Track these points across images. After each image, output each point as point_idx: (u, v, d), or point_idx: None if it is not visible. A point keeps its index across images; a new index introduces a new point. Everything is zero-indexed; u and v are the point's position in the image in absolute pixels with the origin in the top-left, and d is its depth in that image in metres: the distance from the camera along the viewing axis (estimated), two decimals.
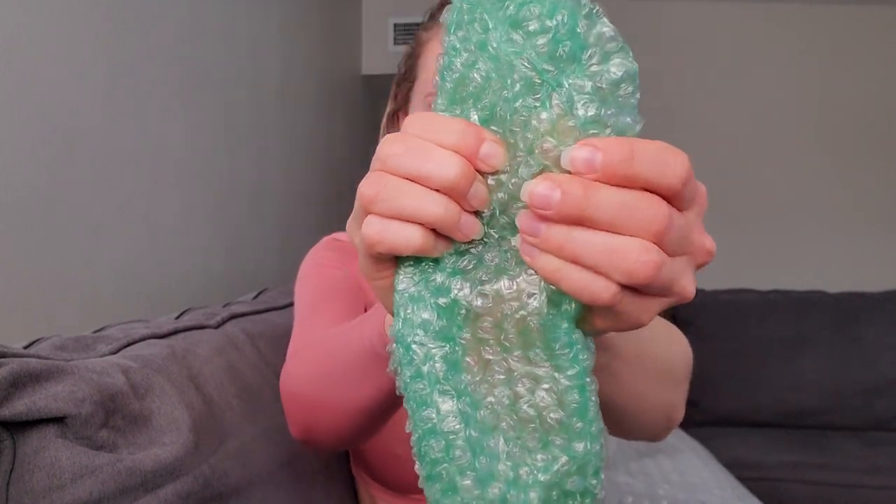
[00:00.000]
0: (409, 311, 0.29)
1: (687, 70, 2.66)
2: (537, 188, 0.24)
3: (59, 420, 0.48)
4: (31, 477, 0.45)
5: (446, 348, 0.29)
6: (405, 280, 0.29)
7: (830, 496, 1.81)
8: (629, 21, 2.66)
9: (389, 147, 0.27)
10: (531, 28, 0.25)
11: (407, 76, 0.74)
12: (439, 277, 0.29)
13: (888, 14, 2.61)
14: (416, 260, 0.29)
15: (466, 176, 0.26)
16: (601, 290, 0.24)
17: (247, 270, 1.39)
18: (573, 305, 0.27)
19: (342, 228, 0.85)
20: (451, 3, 0.28)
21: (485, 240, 0.28)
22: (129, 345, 0.64)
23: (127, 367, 0.58)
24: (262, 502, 0.66)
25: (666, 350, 0.49)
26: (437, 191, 0.27)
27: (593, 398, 0.28)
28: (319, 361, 0.53)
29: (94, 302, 0.87)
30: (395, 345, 0.29)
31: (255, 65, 1.45)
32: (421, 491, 0.29)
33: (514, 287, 0.28)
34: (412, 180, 0.27)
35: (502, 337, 0.28)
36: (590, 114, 0.25)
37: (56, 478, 0.45)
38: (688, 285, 0.27)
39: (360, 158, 2.44)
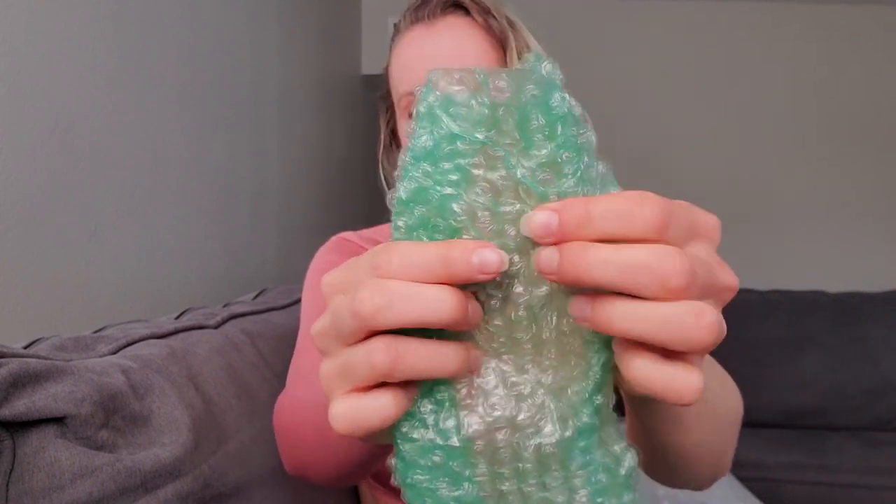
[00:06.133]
0: (414, 456, 0.26)
1: (687, 70, 2.66)
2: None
3: (58, 420, 0.48)
4: (30, 477, 0.45)
5: (460, 491, 0.26)
6: (405, 424, 0.26)
7: (830, 496, 1.81)
8: (630, 21, 2.66)
9: (370, 301, 0.23)
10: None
11: (386, 94, 0.78)
12: (443, 415, 0.26)
13: (888, 14, 2.60)
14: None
15: (460, 308, 0.24)
16: (688, 387, 0.23)
17: (247, 270, 1.39)
18: (589, 420, 0.26)
19: (342, 228, 0.85)
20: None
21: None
22: (128, 345, 0.64)
23: (127, 367, 0.58)
24: (262, 502, 0.66)
25: (724, 398, 0.49)
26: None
27: None
28: (306, 428, 0.51)
29: (94, 302, 0.87)
30: (401, 486, 0.27)
31: (255, 65, 1.45)
32: None
33: (526, 411, 0.26)
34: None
35: (520, 466, 0.26)
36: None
37: (56, 478, 0.45)
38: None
39: (360, 158, 2.44)
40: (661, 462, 0.46)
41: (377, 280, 0.24)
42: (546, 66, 0.25)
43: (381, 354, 0.24)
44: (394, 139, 0.81)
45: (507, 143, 0.25)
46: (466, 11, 0.69)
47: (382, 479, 0.77)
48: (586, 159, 0.25)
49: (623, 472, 0.27)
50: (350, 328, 0.24)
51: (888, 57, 2.61)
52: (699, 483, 0.52)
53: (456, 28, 0.69)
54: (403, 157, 0.26)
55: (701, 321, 0.22)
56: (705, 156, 2.64)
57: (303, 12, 1.80)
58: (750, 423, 2.20)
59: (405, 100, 0.71)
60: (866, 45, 2.62)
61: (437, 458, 0.26)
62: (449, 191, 0.25)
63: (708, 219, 0.26)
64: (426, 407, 0.26)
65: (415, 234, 0.25)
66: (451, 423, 0.26)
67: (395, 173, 0.26)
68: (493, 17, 0.69)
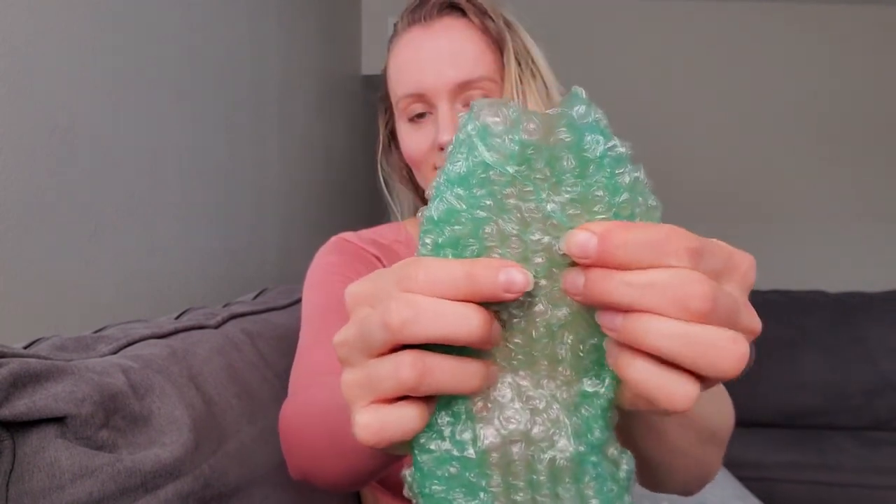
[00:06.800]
0: (431, 467, 0.27)
1: (687, 70, 2.66)
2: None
3: (59, 420, 0.48)
4: (30, 477, 0.45)
5: (476, 501, 0.27)
6: (423, 436, 0.27)
7: (830, 496, 1.81)
8: (630, 21, 2.66)
9: (398, 314, 0.24)
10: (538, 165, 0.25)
11: (384, 96, 0.78)
12: (460, 427, 0.27)
13: (888, 14, 2.60)
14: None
15: (485, 326, 0.24)
16: (683, 395, 0.23)
17: (247, 270, 1.39)
18: (600, 434, 0.27)
19: (342, 228, 0.85)
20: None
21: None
22: (129, 345, 0.64)
23: (127, 367, 0.58)
24: (262, 502, 0.66)
25: (715, 412, 0.49)
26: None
27: None
28: (316, 434, 0.50)
29: (94, 302, 0.87)
30: (417, 496, 0.28)
31: (255, 65, 1.45)
32: None
33: (541, 425, 0.27)
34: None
35: (533, 478, 0.27)
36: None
37: (56, 478, 0.45)
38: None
39: (360, 158, 2.44)
40: (645, 470, 0.46)
41: (405, 294, 0.24)
42: (579, 110, 0.25)
43: (409, 369, 0.24)
44: (392, 140, 0.81)
45: (538, 178, 0.25)
46: (463, 13, 0.69)
47: (385, 481, 0.77)
48: (625, 196, 0.25)
49: (622, 475, 0.27)
50: (379, 340, 0.25)
51: (888, 57, 2.61)
52: (686, 490, 0.52)
53: (452, 29, 0.69)
54: (438, 179, 0.26)
55: (736, 349, 0.22)
56: (705, 156, 2.64)
57: (303, 12, 1.80)
58: (750, 423, 2.20)
59: (403, 102, 0.71)
60: (866, 45, 2.62)
61: (453, 469, 0.27)
62: (482, 214, 0.25)
63: (743, 259, 0.25)
64: (443, 419, 0.27)
65: (442, 251, 0.26)
66: (467, 435, 0.27)
67: (427, 192, 0.27)
68: (490, 17, 0.69)
